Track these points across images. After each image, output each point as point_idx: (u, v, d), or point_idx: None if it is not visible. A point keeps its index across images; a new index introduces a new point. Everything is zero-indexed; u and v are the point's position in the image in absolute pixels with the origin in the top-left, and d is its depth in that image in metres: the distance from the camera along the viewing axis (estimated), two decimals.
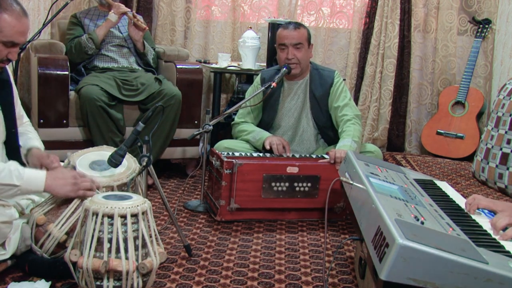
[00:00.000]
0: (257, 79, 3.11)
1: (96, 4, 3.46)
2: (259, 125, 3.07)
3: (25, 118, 2.26)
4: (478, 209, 1.80)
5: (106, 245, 1.61)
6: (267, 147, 2.83)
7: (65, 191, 1.90)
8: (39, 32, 3.11)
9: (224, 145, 2.94)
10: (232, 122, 3.12)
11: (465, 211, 1.80)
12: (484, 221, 1.68)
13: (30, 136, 2.20)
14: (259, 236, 2.50)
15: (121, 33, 3.41)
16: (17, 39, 1.86)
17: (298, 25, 2.95)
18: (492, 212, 1.78)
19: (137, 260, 1.64)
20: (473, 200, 1.82)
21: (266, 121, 3.06)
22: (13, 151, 2.07)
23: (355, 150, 2.66)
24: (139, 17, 3.41)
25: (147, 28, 3.39)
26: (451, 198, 1.95)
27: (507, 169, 3.40)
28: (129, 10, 3.35)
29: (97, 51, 3.30)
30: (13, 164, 1.88)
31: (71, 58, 3.20)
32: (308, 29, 3.01)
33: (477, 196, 1.85)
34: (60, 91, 3.00)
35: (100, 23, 3.32)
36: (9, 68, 2.14)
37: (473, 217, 1.73)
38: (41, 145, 2.19)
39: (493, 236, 1.55)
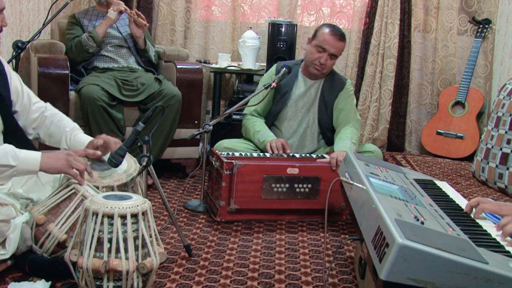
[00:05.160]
0: (272, 70, 3.09)
1: (95, 4, 3.46)
2: (267, 115, 3.07)
3: (42, 103, 2.24)
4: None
5: (106, 245, 1.61)
6: (269, 151, 2.83)
7: (59, 165, 1.92)
8: (39, 32, 3.11)
9: (224, 145, 2.94)
10: (243, 112, 3.10)
11: (465, 211, 1.79)
12: (487, 225, 1.66)
13: (65, 124, 2.22)
14: (259, 236, 2.50)
15: (120, 33, 3.40)
16: None
17: (343, 37, 2.92)
18: (496, 216, 1.71)
19: (137, 260, 1.64)
20: (476, 204, 1.75)
21: (274, 113, 3.05)
22: (14, 140, 2.07)
23: None
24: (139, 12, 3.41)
25: (147, 24, 3.39)
26: (451, 198, 1.95)
27: (507, 169, 3.40)
28: (126, 8, 3.34)
29: (98, 49, 3.29)
30: (8, 146, 1.90)
31: (72, 57, 3.20)
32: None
33: (481, 199, 1.77)
34: (60, 91, 3.00)
35: (98, 24, 3.32)
36: (4, 59, 2.13)
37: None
38: (84, 136, 2.22)
39: (493, 236, 1.55)
